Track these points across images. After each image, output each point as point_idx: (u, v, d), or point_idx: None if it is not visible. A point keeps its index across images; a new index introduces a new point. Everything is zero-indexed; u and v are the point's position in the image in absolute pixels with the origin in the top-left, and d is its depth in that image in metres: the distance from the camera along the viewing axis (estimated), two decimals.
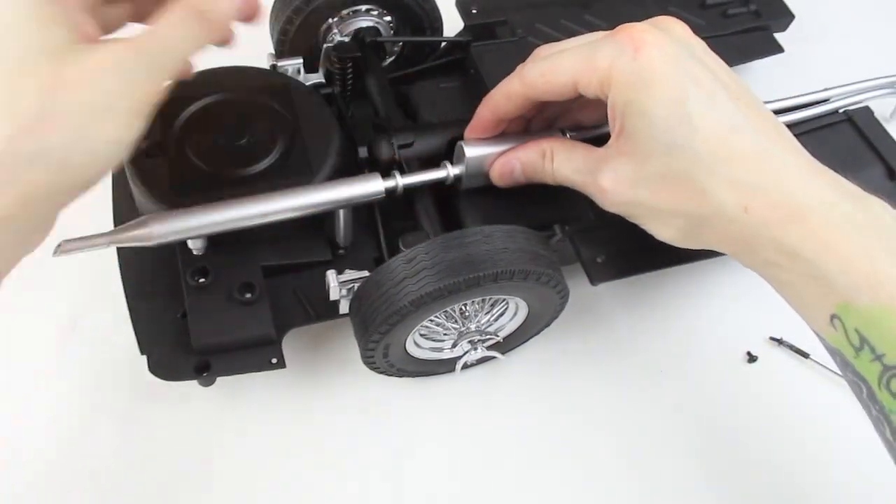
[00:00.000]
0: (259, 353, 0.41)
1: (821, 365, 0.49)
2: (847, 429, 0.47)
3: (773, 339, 0.50)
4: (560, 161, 0.42)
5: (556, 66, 0.39)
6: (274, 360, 0.41)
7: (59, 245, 0.37)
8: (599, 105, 0.41)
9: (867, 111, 0.56)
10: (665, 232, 0.40)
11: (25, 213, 0.30)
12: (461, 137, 0.44)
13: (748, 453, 0.46)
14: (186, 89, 0.43)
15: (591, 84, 0.38)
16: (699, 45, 0.39)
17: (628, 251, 0.46)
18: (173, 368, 0.40)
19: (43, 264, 0.39)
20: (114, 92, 0.30)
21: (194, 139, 0.43)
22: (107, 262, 0.43)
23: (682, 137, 0.36)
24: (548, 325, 0.47)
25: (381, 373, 0.45)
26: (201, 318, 0.40)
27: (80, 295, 0.50)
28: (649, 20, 0.38)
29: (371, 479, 0.45)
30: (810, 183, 0.36)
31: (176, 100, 0.43)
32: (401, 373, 0.46)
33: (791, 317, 0.51)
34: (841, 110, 0.56)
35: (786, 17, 0.62)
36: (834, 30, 0.72)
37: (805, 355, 0.49)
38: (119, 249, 0.43)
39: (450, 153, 0.45)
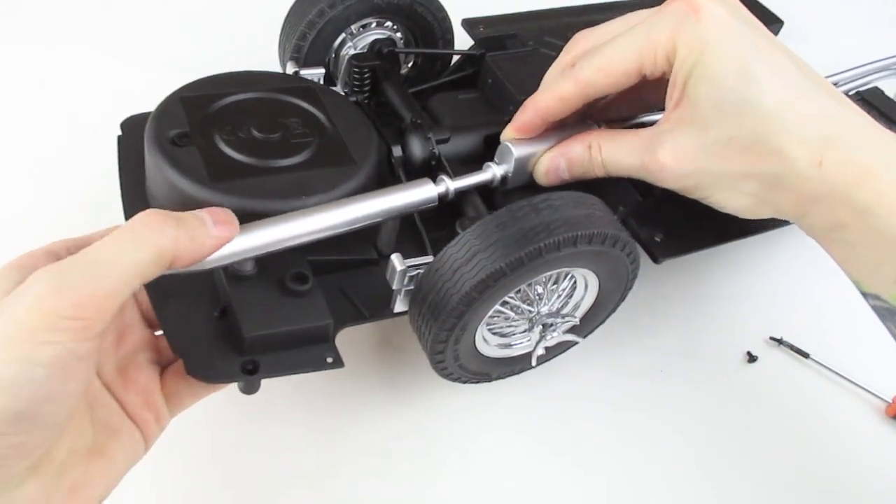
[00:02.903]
0: (312, 352, 0.38)
1: (821, 365, 0.50)
2: (847, 428, 0.48)
3: (773, 339, 0.51)
4: (609, 149, 0.41)
5: (614, 57, 0.38)
6: (330, 360, 0.38)
7: None
8: (634, 98, 0.41)
9: (878, 90, 0.59)
10: (735, 200, 0.39)
11: None
12: (497, 133, 0.44)
13: (748, 453, 0.46)
14: (212, 87, 0.44)
15: (658, 60, 0.37)
16: (745, 10, 0.38)
17: (684, 229, 0.46)
18: (215, 369, 0.37)
19: None
20: None
21: (226, 131, 0.42)
22: None
23: (752, 95, 0.36)
24: (621, 300, 0.45)
25: (447, 375, 0.43)
26: (249, 308, 0.37)
27: None
28: None
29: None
30: (879, 139, 0.36)
31: (202, 96, 0.44)
32: (470, 375, 0.44)
33: (791, 317, 0.53)
34: (852, 92, 0.58)
35: (775, 24, 0.64)
36: (820, 33, 0.75)
37: (805, 355, 0.50)
38: None
39: (487, 150, 0.44)
